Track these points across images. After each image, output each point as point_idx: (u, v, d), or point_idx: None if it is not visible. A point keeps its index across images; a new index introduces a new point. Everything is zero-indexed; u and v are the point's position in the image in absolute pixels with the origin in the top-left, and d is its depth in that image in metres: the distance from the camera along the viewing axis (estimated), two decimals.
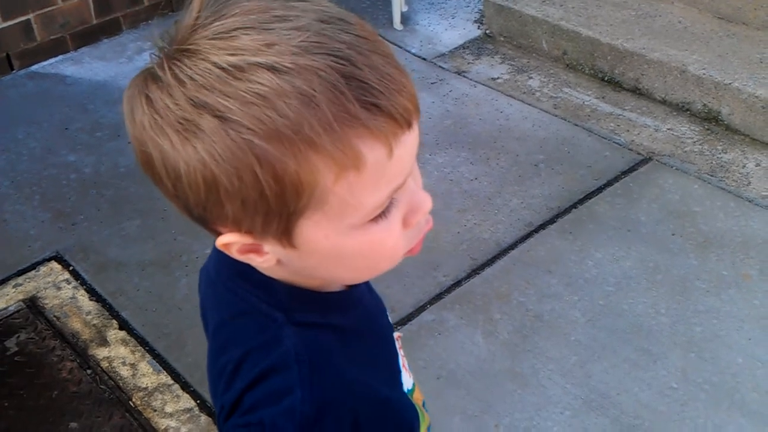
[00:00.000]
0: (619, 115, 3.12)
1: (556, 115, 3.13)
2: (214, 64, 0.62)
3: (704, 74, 3.01)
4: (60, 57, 3.58)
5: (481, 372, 2.16)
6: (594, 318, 2.30)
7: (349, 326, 0.82)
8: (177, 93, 0.63)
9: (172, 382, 2.17)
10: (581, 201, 2.71)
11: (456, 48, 3.59)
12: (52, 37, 3.55)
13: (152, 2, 3.77)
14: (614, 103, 3.19)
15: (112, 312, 2.38)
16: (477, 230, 2.61)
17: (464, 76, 3.38)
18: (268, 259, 0.73)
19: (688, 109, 3.09)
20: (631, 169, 2.83)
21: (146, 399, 2.13)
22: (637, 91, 3.22)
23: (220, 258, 0.82)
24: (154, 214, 2.71)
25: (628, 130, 3.03)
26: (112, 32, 3.71)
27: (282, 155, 0.62)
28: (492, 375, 2.16)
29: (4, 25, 3.41)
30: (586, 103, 3.20)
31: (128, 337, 2.30)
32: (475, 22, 3.78)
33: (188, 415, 2.09)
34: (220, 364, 0.80)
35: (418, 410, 0.93)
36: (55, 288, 2.46)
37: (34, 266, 2.53)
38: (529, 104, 3.19)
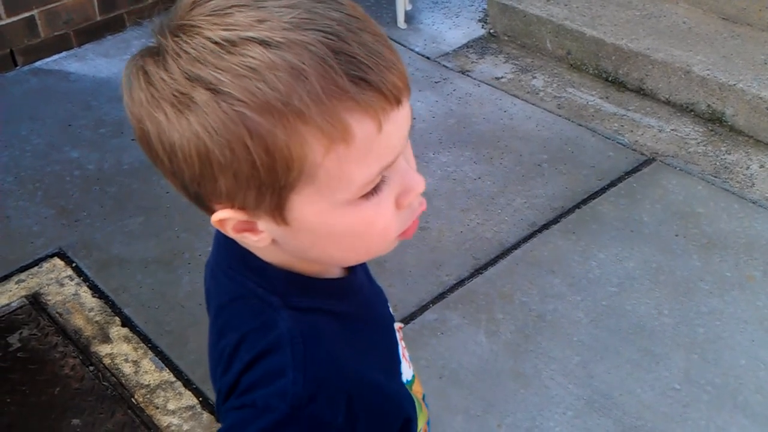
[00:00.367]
0: (623, 115, 3.12)
1: (559, 115, 3.12)
2: (209, 38, 0.64)
3: (709, 75, 3.00)
4: (64, 53, 3.58)
5: (484, 372, 2.16)
6: (597, 318, 2.30)
7: (348, 312, 0.83)
8: (172, 67, 0.65)
9: (174, 379, 2.17)
10: (584, 201, 2.70)
11: (460, 47, 3.59)
12: (55, 34, 3.55)
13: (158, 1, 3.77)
14: (618, 103, 3.18)
15: (115, 309, 2.38)
16: (480, 230, 2.61)
17: (468, 76, 3.38)
18: (263, 238, 0.74)
19: (692, 110, 3.09)
20: (635, 170, 2.83)
21: (148, 396, 2.13)
22: (641, 92, 3.22)
23: (221, 247, 0.84)
24: (157, 212, 2.71)
25: (631, 131, 3.03)
26: (116, 29, 3.71)
27: (272, 127, 0.64)
28: (494, 375, 2.16)
29: (8, 21, 3.41)
30: (589, 103, 3.19)
31: (131, 334, 2.30)
32: (479, 21, 3.77)
33: (190, 412, 2.09)
34: (219, 349, 0.81)
35: (417, 403, 0.93)
36: (58, 284, 2.46)
37: (36, 262, 2.53)
38: (533, 104, 3.19)
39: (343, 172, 0.68)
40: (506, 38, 3.62)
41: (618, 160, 2.88)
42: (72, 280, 2.47)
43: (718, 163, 2.85)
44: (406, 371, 0.93)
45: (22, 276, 2.49)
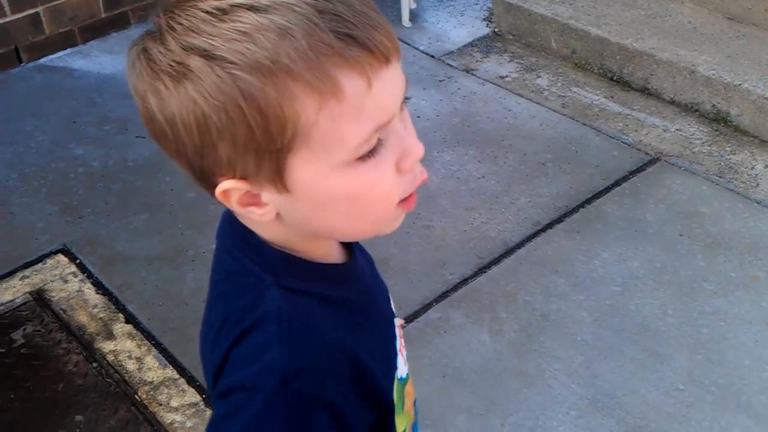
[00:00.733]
0: (628, 114, 3.11)
1: (564, 114, 3.12)
2: (201, 9, 0.68)
3: (714, 75, 3.00)
4: (68, 50, 3.58)
5: (487, 371, 2.16)
6: (600, 318, 2.29)
7: (346, 299, 0.83)
8: (169, 40, 0.69)
9: (177, 376, 2.17)
10: (589, 200, 2.70)
11: (464, 46, 3.59)
12: (60, 30, 3.55)
13: None
14: (623, 102, 3.18)
15: (119, 305, 2.38)
16: (484, 228, 2.61)
17: (472, 74, 3.38)
18: (267, 211, 0.75)
19: (697, 110, 3.08)
20: (639, 169, 2.83)
21: (152, 393, 2.13)
22: (645, 91, 3.21)
23: (225, 225, 0.85)
24: (161, 208, 2.71)
25: (636, 130, 3.02)
26: (121, 26, 3.71)
27: (263, 85, 0.66)
28: (498, 374, 2.15)
29: (13, 17, 3.41)
30: (594, 102, 3.19)
31: (134, 331, 2.30)
32: (484, 20, 3.77)
33: (194, 409, 2.09)
34: (209, 322, 0.83)
35: (399, 405, 0.92)
36: (62, 281, 2.46)
37: (41, 259, 2.54)
38: (538, 103, 3.19)
39: (337, 130, 0.69)
40: (511, 37, 3.61)
41: (622, 160, 2.88)
42: (76, 276, 2.47)
43: (722, 163, 2.84)
44: (401, 368, 0.93)
45: (27, 272, 2.49)
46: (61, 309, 2.37)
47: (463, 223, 2.63)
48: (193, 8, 0.69)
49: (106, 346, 2.26)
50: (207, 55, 0.67)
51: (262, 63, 0.66)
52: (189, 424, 2.06)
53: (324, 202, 0.74)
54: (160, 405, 2.10)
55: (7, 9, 3.38)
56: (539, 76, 3.36)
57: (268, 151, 0.70)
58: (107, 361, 2.22)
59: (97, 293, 2.42)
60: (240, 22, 0.67)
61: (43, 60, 3.52)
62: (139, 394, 2.13)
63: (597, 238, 2.55)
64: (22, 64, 3.49)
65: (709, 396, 2.08)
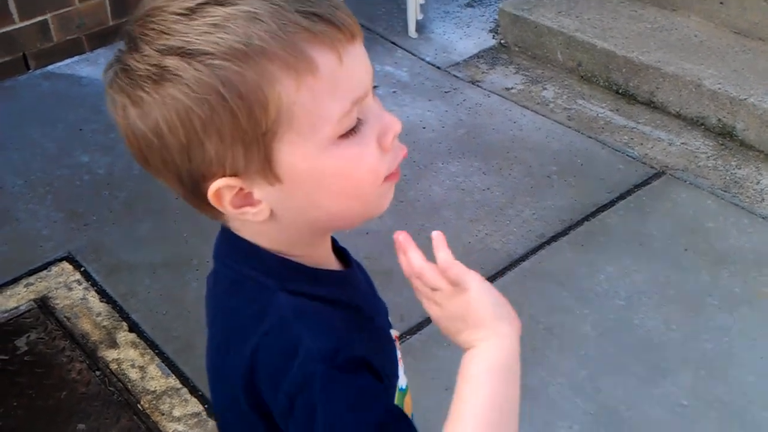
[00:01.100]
0: (633, 128, 3.11)
1: (569, 127, 3.12)
2: (171, 12, 0.71)
3: (719, 89, 3.00)
4: (76, 57, 3.59)
5: None
6: (605, 332, 2.29)
7: (346, 301, 0.84)
8: (143, 47, 0.71)
9: (180, 385, 2.17)
10: (594, 214, 2.70)
11: (470, 57, 3.59)
12: (68, 38, 3.56)
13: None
14: (628, 116, 3.18)
15: (123, 314, 2.38)
16: (488, 240, 2.61)
17: (478, 86, 3.38)
18: (261, 209, 0.76)
19: (702, 124, 3.08)
20: (644, 183, 2.82)
21: (154, 402, 2.13)
22: (651, 105, 3.21)
23: (221, 245, 0.86)
24: (166, 217, 2.71)
25: (641, 144, 3.02)
26: None
27: (240, 69, 0.69)
28: None
29: (21, 25, 3.42)
30: (600, 115, 3.19)
31: (138, 340, 2.30)
32: (490, 31, 3.78)
33: (196, 419, 2.09)
34: (214, 337, 0.84)
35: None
36: (66, 288, 2.46)
37: (45, 266, 2.54)
38: (543, 115, 3.19)
39: (318, 106, 0.71)
40: (517, 49, 3.62)
41: (627, 173, 2.87)
42: (80, 284, 2.48)
43: (728, 178, 2.84)
44: (401, 378, 0.94)
45: (31, 279, 2.50)
46: (65, 316, 2.37)
47: (468, 235, 2.63)
48: (162, 13, 0.71)
49: (110, 355, 2.26)
50: (182, 52, 0.69)
51: (236, 48, 0.68)
52: None
53: (315, 186, 0.75)
54: (163, 414, 2.10)
55: (15, 16, 3.39)
56: (545, 89, 3.36)
57: (255, 138, 0.71)
58: (110, 369, 2.22)
59: (101, 301, 2.42)
60: (210, 16, 0.69)
61: (50, 67, 3.53)
62: (142, 403, 2.13)
63: (602, 252, 2.55)
64: (30, 71, 3.51)
65: (713, 412, 2.07)
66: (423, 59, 3.56)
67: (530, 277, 2.47)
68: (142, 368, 2.22)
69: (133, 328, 2.34)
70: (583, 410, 2.08)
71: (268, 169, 0.73)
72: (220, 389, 0.85)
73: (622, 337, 2.27)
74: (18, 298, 2.44)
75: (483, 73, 3.48)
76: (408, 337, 2.25)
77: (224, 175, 0.74)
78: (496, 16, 3.79)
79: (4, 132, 3.13)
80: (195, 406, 2.12)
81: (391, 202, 0.83)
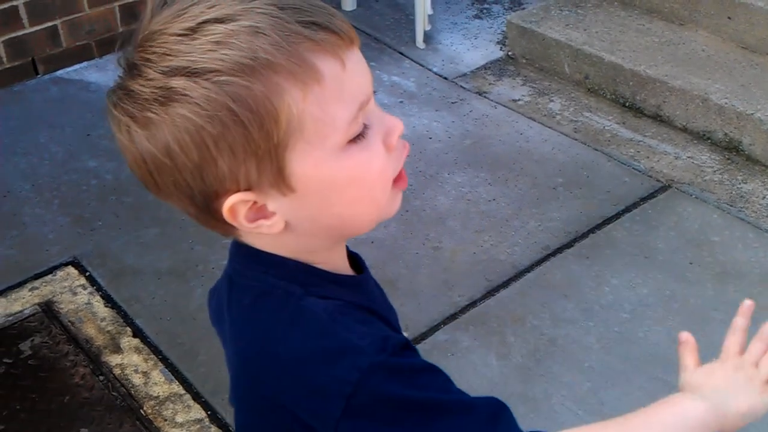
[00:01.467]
0: (640, 141, 3.12)
1: (576, 139, 3.12)
2: (171, 33, 0.71)
3: (726, 104, 3.00)
4: (85, 63, 3.61)
5: (494, 394, 2.14)
6: (609, 345, 2.29)
7: (366, 305, 0.84)
8: (148, 72, 0.71)
9: (183, 392, 2.17)
10: (599, 226, 2.70)
11: (478, 68, 3.60)
12: (77, 44, 3.58)
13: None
14: (635, 129, 3.18)
15: (127, 319, 2.38)
16: (493, 251, 2.61)
17: (485, 97, 3.39)
18: (276, 221, 0.77)
19: (709, 138, 3.08)
20: (650, 196, 2.82)
21: (157, 408, 2.13)
22: (658, 118, 3.21)
23: (234, 256, 0.86)
24: (172, 223, 2.72)
25: (648, 157, 3.02)
26: None
27: (249, 83, 0.69)
28: (504, 398, 2.12)
29: (31, 30, 3.44)
30: (606, 128, 3.19)
31: (141, 345, 2.30)
32: (498, 43, 3.79)
33: (198, 425, 2.09)
34: (241, 353, 0.82)
35: None
36: (71, 293, 2.47)
37: (51, 270, 2.55)
38: (550, 127, 3.19)
39: (326, 113, 0.72)
40: (524, 61, 3.62)
41: (633, 186, 2.87)
42: (85, 289, 2.48)
43: (734, 192, 2.84)
44: None
45: (36, 283, 2.50)
46: (69, 321, 2.38)
47: (473, 246, 2.63)
48: (162, 36, 0.71)
49: (113, 360, 2.26)
50: (188, 72, 0.69)
51: (243, 63, 0.69)
52: None
53: (328, 192, 0.76)
54: (165, 420, 2.10)
55: (25, 21, 3.41)
56: (552, 101, 3.36)
57: (267, 151, 0.71)
58: (114, 374, 2.22)
59: (106, 306, 2.43)
60: (211, 34, 0.70)
61: (59, 72, 3.55)
62: (145, 408, 2.13)
63: (607, 264, 2.55)
64: (39, 76, 3.52)
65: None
66: (430, 70, 3.57)
67: (535, 289, 2.47)
68: (145, 374, 2.22)
69: (137, 333, 2.34)
70: (586, 423, 2.07)
71: (281, 180, 0.74)
72: (249, 397, 0.84)
73: (626, 350, 2.27)
74: (23, 302, 2.44)
75: (490, 84, 3.49)
76: None
77: (238, 191, 0.74)
78: (504, 28, 3.80)
79: (12, 136, 3.15)
80: (198, 412, 2.12)
81: (396, 212, 0.84)
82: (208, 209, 0.77)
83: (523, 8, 3.97)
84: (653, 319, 2.35)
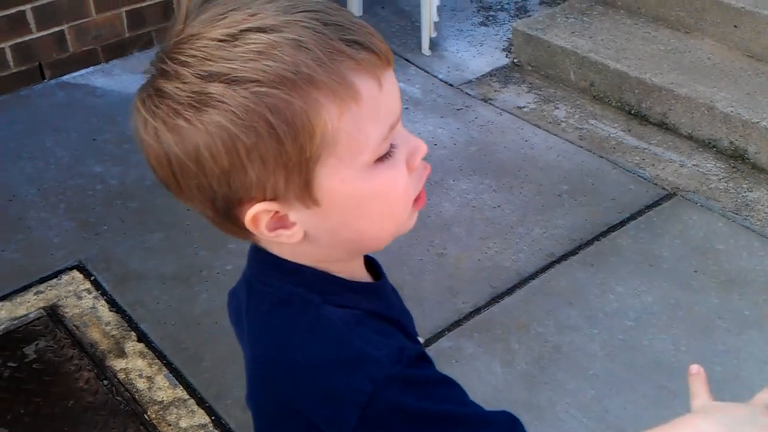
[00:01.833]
0: (645, 149, 3.11)
1: (581, 147, 3.12)
2: (211, 38, 0.70)
3: (732, 112, 3.00)
4: (91, 68, 3.62)
5: (498, 402, 2.15)
6: (613, 352, 2.28)
7: (385, 313, 0.84)
8: (184, 74, 0.70)
9: (187, 396, 2.17)
10: (604, 233, 2.69)
11: (483, 75, 3.60)
12: (84, 49, 3.59)
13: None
14: (640, 136, 3.18)
15: (131, 324, 2.39)
16: (498, 258, 2.61)
17: (490, 104, 3.39)
18: (296, 231, 0.77)
19: (714, 146, 3.08)
20: (655, 204, 2.82)
21: (161, 413, 2.13)
22: (663, 126, 3.21)
23: (253, 261, 0.86)
24: (177, 228, 2.72)
25: (653, 165, 3.02)
26: (144, 46, 3.75)
27: (288, 96, 0.69)
28: (508, 405, 2.13)
29: (38, 35, 3.46)
30: (611, 135, 3.19)
31: (146, 350, 2.30)
32: (504, 50, 3.79)
33: (202, 430, 2.09)
34: (257, 359, 0.82)
35: None
36: (76, 297, 2.47)
37: (56, 274, 2.55)
38: (555, 134, 3.19)
39: (360, 132, 0.72)
40: (530, 68, 3.63)
41: (639, 194, 2.87)
42: (90, 293, 2.49)
43: (739, 200, 2.83)
44: None
45: (41, 287, 2.51)
46: (74, 325, 2.38)
47: (477, 252, 2.63)
48: (201, 39, 0.71)
49: (118, 364, 2.26)
50: (227, 79, 0.69)
51: (284, 76, 0.69)
52: None
53: (351, 208, 0.76)
54: (169, 425, 2.10)
55: (33, 26, 3.42)
56: (557, 108, 3.37)
57: (298, 164, 0.71)
58: (118, 379, 2.22)
59: (111, 311, 2.43)
60: (253, 43, 0.69)
61: (66, 77, 3.56)
62: (149, 413, 2.13)
63: (611, 272, 2.54)
64: (45, 81, 3.54)
65: None
66: (436, 76, 3.58)
67: (539, 296, 2.47)
68: (149, 378, 2.22)
69: (142, 338, 2.34)
70: (591, 430, 2.07)
71: (306, 193, 0.74)
72: (266, 403, 0.84)
73: (630, 358, 2.26)
74: (28, 305, 2.45)
75: (495, 91, 3.49)
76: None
77: (263, 200, 0.74)
78: (510, 35, 3.81)
79: (18, 140, 3.16)
80: (202, 417, 2.12)
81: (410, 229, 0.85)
82: (228, 215, 0.77)
83: (529, 15, 3.97)
84: (658, 327, 2.35)
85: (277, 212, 0.75)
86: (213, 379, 2.21)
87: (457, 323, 2.38)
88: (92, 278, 2.54)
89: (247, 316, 0.86)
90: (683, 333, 2.33)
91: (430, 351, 2.26)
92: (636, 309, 2.41)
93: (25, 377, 2.24)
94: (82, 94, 3.46)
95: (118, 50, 3.69)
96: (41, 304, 2.45)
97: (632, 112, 3.30)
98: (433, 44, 3.79)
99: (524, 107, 3.37)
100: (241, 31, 0.70)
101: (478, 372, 2.22)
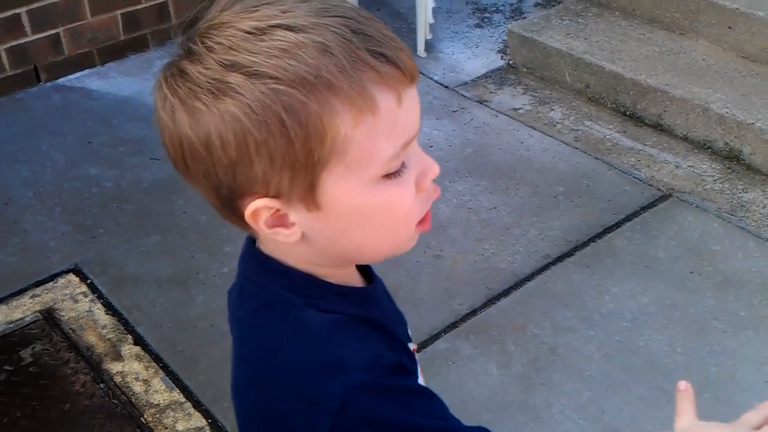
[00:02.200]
0: (640, 150, 3.12)
1: (576, 148, 3.13)
2: (239, 29, 0.71)
3: (727, 113, 3.00)
4: (87, 71, 3.62)
5: (494, 403, 2.15)
6: (609, 354, 2.29)
7: (372, 318, 0.84)
8: (207, 59, 0.71)
9: (184, 399, 2.17)
10: (600, 235, 2.70)
11: (479, 77, 3.61)
12: (79, 51, 3.59)
13: (180, 20, 3.81)
14: (635, 138, 3.19)
15: (128, 327, 2.38)
16: (494, 260, 2.61)
17: (486, 106, 3.40)
18: (294, 232, 0.77)
19: (709, 147, 3.09)
20: (651, 205, 2.83)
21: (158, 416, 2.13)
22: (658, 127, 3.22)
23: (246, 259, 0.86)
24: (173, 231, 2.72)
25: (648, 166, 3.03)
26: (139, 48, 3.75)
27: (305, 98, 0.69)
28: (505, 407, 2.15)
29: (34, 37, 3.45)
30: (607, 136, 3.20)
31: (142, 353, 2.30)
32: (499, 52, 3.80)
33: None
34: (245, 359, 0.83)
35: None
36: (72, 300, 2.47)
37: (52, 278, 2.55)
38: (550, 136, 3.20)
39: (372, 144, 0.72)
40: (525, 70, 3.63)
41: (634, 195, 2.88)
42: (86, 296, 2.48)
43: (734, 201, 2.84)
44: None
45: (37, 291, 2.51)
46: (70, 328, 2.38)
47: (474, 254, 2.63)
48: (230, 28, 0.71)
49: (114, 367, 2.26)
50: (248, 72, 0.69)
51: (304, 78, 0.69)
52: None
53: (352, 219, 0.76)
54: (166, 428, 2.10)
55: (28, 29, 3.42)
56: (552, 109, 3.37)
57: (305, 166, 0.71)
58: (114, 382, 2.22)
59: (107, 314, 2.43)
60: (280, 40, 0.69)
61: (61, 80, 3.56)
62: (145, 416, 2.13)
63: (607, 273, 2.55)
64: (41, 84, 3.53)
65: None
66: (431, 78, 3.58)
67: (535, 297, 2.47)
68: (146, 381, 2.22)
69: (138, 341, 2.34)
70: (587, 431, 2.08)
71: (309, 197, 0.74)
72: (251, 404, 0.85)
73: (626, 359, 2.27)
74: (24, 309, 2.45)
75: (491, 93, 3.49)
76: (417, 350, 2.25)
77: (266, 196, 0.74)
78: (505, 37, 3.81)
79: (14, 144, 3.16)
80: (198, 420, 2.12)
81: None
82: (230, 205, 0.77)
83: (524, 17, 3.98)
84: (654, 328, 2.35)
85: (278, 210, 0.75)
86: (209, 382, 2.21)
87: (453, 325, 2.38)
88: (88, 281, 2.54)
89: (237, 314, 0.87)
90: (679, 334, 2.34)
91: (427, 353, 2.27)
92: (632, 310, 2.42)
93: (21, 381, 2.24)
94: (77, 97, 3.46)
95: (113, 53, 3.69)
96: (37, 308, 2.45)
97: (627, 113, 3.30)
98: (429, 46, 3.79)
99: (520, 109, 3.38)
100: (270, 26, 0.70)
101: (475, 373, 2.23)
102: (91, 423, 2.12)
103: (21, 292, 2.50)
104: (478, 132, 3.23)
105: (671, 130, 3.18)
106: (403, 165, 0.76)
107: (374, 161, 0.73)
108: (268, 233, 0.77)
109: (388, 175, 0.75)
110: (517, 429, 2.08)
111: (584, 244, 2.66)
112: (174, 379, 2.23)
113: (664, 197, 2.86)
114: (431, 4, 3.73)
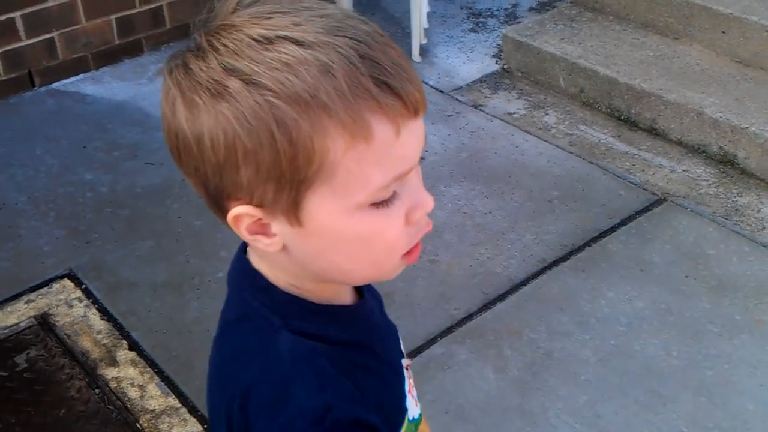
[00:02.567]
0: (635, 154, 3.13)
1: (571, 152, 3.13)
2: (247, 35, 0.70)
3: (721, 117, 3.01)
4: (81, 75, 3.61)
5: (490, 408, 2.15)
6: (605, 358, 2.29)
7: (351, 341, 0.83)
8: (211, 59, 0.70)
9: (179, 405, 2.17)
10: (595, 239, 2.70)
11: (473, 82, 3.61)
12: (74, 56, 3.59)
13: (174, 25, 3.81)
14: (630, 142, 3.20)
15: (123, 332, 2.38)
16: (489, 264, 2.61)
17: (481, 110, 3.40)
18: (274, 242, 0.76)
19: (704, 151, 3.10)
20: (646, 209, 2.83)
21: (153, 421, 2.12)
22: (653, 132, 3.23)
23: (237, 272, 0.86)
24: (168, 236, 2.72)
25: (643, 170, 3.04)
26: (134, 53, 3.75)
27: (298, 117, 0.68)
28: (501, 411, 2.15)
29: (28, 42, 3.45)
30: (601, 141, 3.21)
31: (137, 358, 2.30)
32: (494, 56, 3.80)
33: None
34: (214, 362, 0.84)
35: None
36: (67, 306, 2.46)
37: (46, 283, 2.54)
38: (545, 140, 3.20)
39: (362, 172, 0.71)
40: (520, 74, 3.64)
41: (629, 199, 2.88)
42: (81, 301, 2.48)
43: (729, 205, 2.85)
44: (413, 409, 0.93)
45: (32, 296, 2.50)
46: (65, 334, 2.37)
47: (469, 259, 2.63)
48: (238, 32, 0.70)
49: (109, 373, 2.25)
50: (247, 80, 0.68)
51: (300, 95, 0.68)
52: None
53: (332, 242, 0.75)
54: None
55: (22, 33, 3.42)
56: (547, 114, 3.38)
57: (290, 182, 0.71)
58: (109, 387, 2.21)
59: (102, 319, 2.42)
60: (284, 53, 0.69)
61: (55, 84, 3.56)
62: (141, 422, 2.12)
63: (603, 277, 2.55)
64: (35, 88, 3.53)
65: None
66: (426, 83, 3.59)
67: (531, 302, 2.48)
68: (141, 387, 2.22)
69: (133, 346, 2.33)
70: None
71: (292, 212, 0.73)
72: (216, 407, 0.85)
73: (622, 363, 2.27)
74: (18, 314, 2.44)
75: (486, 97, 3.50)
76: (410, 364, 2.25)
77: (249, 203, 0.74)
78: (500, 42, 3.82)
79: (8, 148, 3.15)
80: (194, 425, 2.11)
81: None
82: (217, 203, 0.77)
83: (519, 22, 3.99)
84: (649, 332, 2.36)
85: (260, 219, 0.75)
86: (205, 387, 2.20)
87: (449, 330, 2.38)
88: (83, 287, 2.53)
89: (221, 319, 0.87)
90: (674, 338, 2.34)
91: (423, 357, 2.27)
92: (627, 314, 2.42)
93: (16, 386, 2.23)
94: (72, 102, 3.45)
95: (107, 57, 3.68)
96: (32, 313, 2.44)
97: (622, 117, 3.31)
98: (424, 51, 3.80)
99: (514, 113, 3.38)
100: (278, 37, 0.69)
101: (471, 378, 2.23)
102: (86, 429, 2.11)
103: (15, 297, 2.50)
104: (473, 136, 3.23)
105: (666, 134, 3.19)
106: (394, 195, 0.74)
107: (362, 188, 0.72)
108: (249, 239, 0.77)
109: (376, 204, 0.73)
110: None
111: (579, 249, 2.67)
112: (169, 384, 2.23)
113: (658, 201, 2.87)
114: (426, 9, 3.73)
